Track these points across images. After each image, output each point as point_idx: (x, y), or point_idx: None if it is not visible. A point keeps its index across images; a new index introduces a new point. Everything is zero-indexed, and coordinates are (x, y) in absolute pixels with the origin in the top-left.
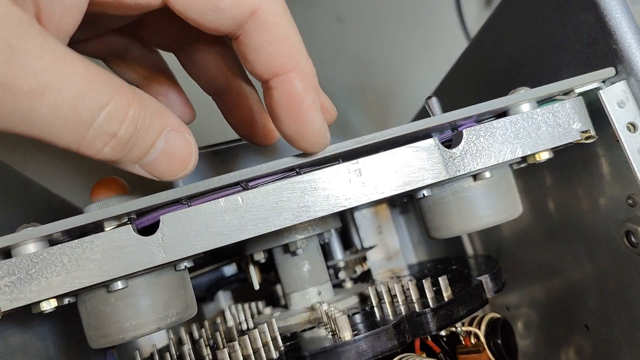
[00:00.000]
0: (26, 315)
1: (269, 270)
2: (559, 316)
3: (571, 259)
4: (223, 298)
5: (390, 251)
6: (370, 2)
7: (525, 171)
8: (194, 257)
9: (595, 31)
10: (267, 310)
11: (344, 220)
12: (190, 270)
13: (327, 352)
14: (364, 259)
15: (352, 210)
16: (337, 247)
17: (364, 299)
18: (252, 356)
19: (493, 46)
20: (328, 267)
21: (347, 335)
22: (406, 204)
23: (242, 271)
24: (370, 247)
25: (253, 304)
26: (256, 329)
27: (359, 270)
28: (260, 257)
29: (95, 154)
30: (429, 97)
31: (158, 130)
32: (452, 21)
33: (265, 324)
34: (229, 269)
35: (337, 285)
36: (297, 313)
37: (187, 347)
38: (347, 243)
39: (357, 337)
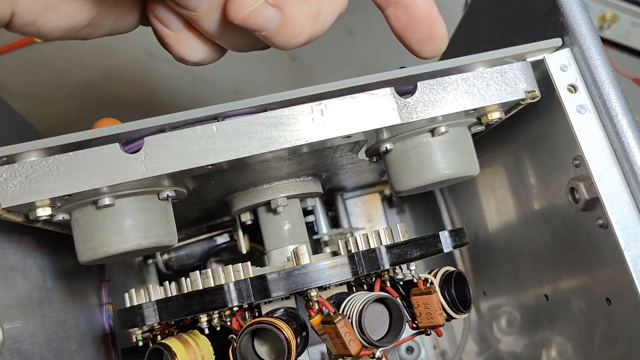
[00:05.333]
0: (28, 243)
1: (261, 242)
2: (526, 290)
3: (535, 232)
4: None
5: None
6: (380, 17)
7: (496, 153)
8: (175, 187)
9: (547, 7)
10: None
11: (335, 206)
12: (184, 239)
13: (286, 274)
14: None
15: (342, 194)
16: (323, 223)
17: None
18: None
19: (471, 34)
20: (313, 241)
21: (305, 260)
22: (401, 204)
23: (233, 239)
24: (357, 228)
25: None
26: (231, 266)
27: None
28: (246, 218)
29: None
30: (402, 67)
31: None
32: None
33: (240, 264)
34: (222, 239)
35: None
36: (273, 264)
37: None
38: (336, 225)
39: (313, 262)
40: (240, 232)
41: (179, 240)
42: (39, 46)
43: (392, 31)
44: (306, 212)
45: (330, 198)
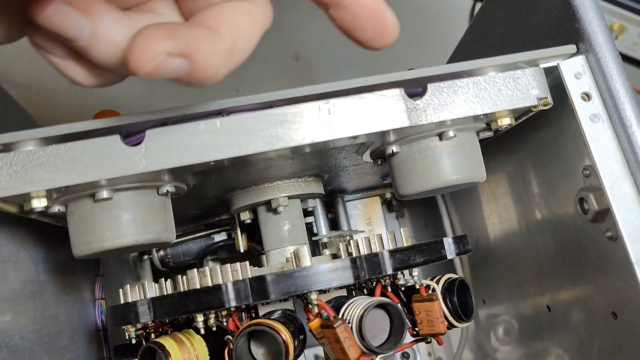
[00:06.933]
0: (22, 234)
1: (259, 241)
2: (527, 299)
3: (539, 241)
4: None
5: None
6: None
7: (500, 160)
8: (175, 183)
9: (562, 13)
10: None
11: (335, 208)
12: (181, 236)
13: (286, 276)
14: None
15: (342, 196)
16: (323, 224)
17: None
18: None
19: (480, 38)
20: (313, 243)
21: (306, 262)
22: (401, 208)
23: (231, 238)
24: (357, 231)
25: None
26: (229, 265)
27: None
28: (246, 217)
29: None
30: (410, 69)
31: None
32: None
33: (238, 263)
34: (219, 237)
35: None
36: (272, 265)
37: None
38: (335, 228)
39: (314, 265)
40: (239, 231)
41: (176, 237)
42: None
43: (339, 30)
44: (305, 213)
45: (330, 200)
